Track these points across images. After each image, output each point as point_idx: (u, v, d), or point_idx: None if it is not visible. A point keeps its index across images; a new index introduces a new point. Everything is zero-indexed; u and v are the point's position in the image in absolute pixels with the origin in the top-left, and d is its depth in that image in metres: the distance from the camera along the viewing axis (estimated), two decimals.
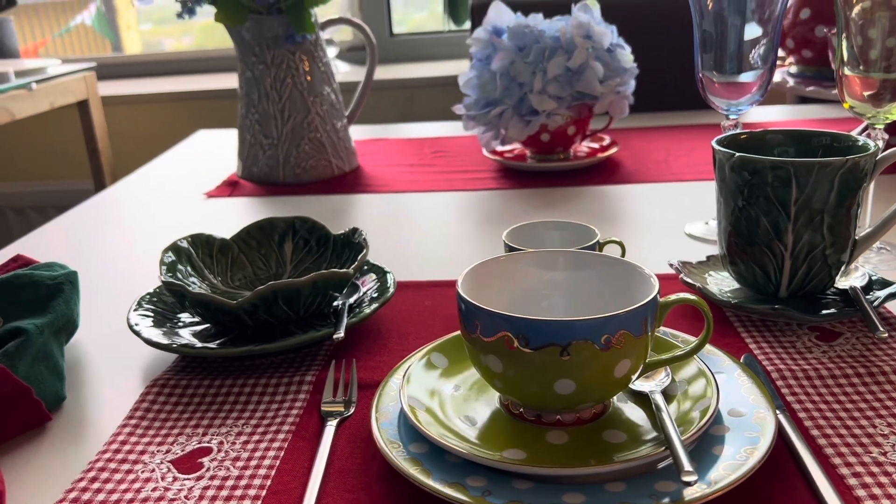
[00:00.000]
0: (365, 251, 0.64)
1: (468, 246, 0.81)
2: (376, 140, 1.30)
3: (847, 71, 0.69)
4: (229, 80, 2.01)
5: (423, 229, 0.87)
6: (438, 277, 0.73)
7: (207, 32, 2.45)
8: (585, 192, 0.97)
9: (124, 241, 0.90)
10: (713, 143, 0.62)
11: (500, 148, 1.12)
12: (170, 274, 0.62)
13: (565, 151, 1.07)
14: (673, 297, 0.45)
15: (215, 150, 1.30)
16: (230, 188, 1.07)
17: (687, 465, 0.37)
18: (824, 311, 0.58)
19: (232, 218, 0.96)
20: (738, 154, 0.58)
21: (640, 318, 0.42)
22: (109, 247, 0.88)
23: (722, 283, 0.65)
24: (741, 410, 0.45)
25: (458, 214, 0.92)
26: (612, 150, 1.07)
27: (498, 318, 0.42)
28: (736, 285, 0.64)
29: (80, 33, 2.56)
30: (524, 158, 1.09)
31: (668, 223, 0.84)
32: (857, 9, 0.68)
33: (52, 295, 0.56)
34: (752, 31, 0.73)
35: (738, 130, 0.68)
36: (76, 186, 1.92)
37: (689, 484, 0.37)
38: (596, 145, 1.12)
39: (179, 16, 1.01)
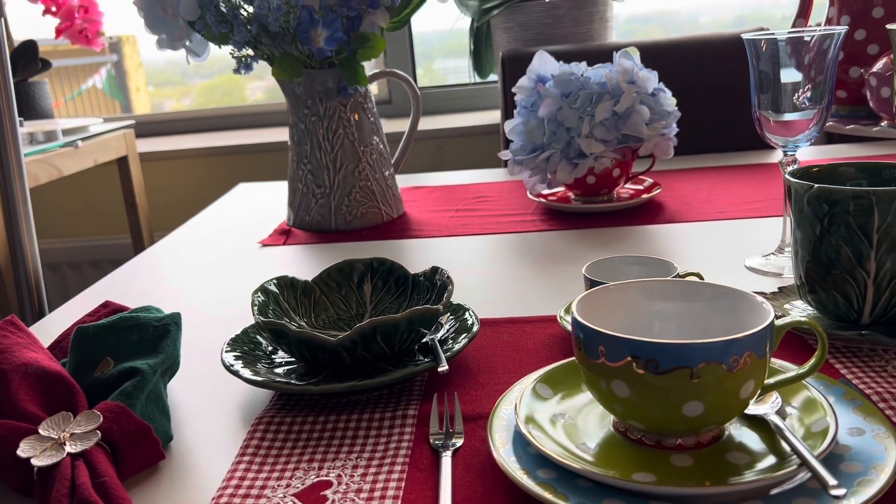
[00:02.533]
0: (451, 288, 0.65)
1: (528, 284, 0.83)
2: (415, 188, 1.33)
3: None
4: (260, 136, 2.06)
5: (477, 270, 0.89)
6: (506, 314, 0.74)
7: (206, 94, 2.51)
8: (634, 232, 0.98)
9: (187, 290, 0.91)
10: (787, 175, 0.64)
11: (545, 191, 1.15)
12: (261, 315, 0.64)
13: (609, 193, 1.09)
14: (787, 319, 0.46)
15: (259, 202, 1.33)
16: (283, 236, 1.09)
17: (832, 480, 0.38)
18: None
19: (290, 264, 0.97)
20: (817, 185, 0.60)
21: (763, 340, 0.43)
22: (173, 296, 0.90)
23: (800, 312, 0.66)
24: (859, 429, 0.46)
25: (510, 255, 0.94)
26: (657, 191, 1.10)
27: (626, 343, 0.43)
28: (814, 313, 0.65)
29: (91, 95, 2.62)
30: (568, 201, 1.11)
31: (725, 258, 0.86)
32: None
33: (160, 336, 0.57)
34: (806, 71, 0.75)
35: (799, 166, 0.71)
36: (112, 242, 1.95)
37: (837, 498, 0.38)
38: (639, 187, 1.14)
39: (236, 71, 1.04)
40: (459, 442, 0.52)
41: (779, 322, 0.46)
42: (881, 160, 0.65)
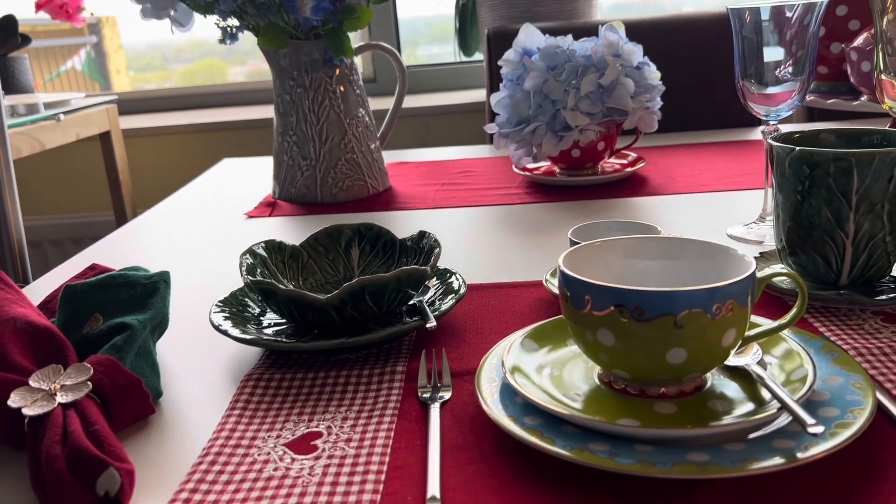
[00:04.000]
0: (438, 250, 0.66)
1: (514, 253, 0.84)
2: (401, 163, 1.33)
3: (884, 77, 0.73)
4: (243, 113, 2.04)
5: (463, 241, 0.90)
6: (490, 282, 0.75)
7: (187, 79, 2.49)
8: (618, 204, 1.00)
9: (172, 261, 0.91)
10: (769, 140, 0.65)
11: (530, 165, 1.16)
12: (249, 276, 0.64)
13: (594, 167, 1.10)
14: (768, 270, 0.47)
15: (243, 176, 1.33)
16: (269, 208, 1.09)
17: (810, 419, 0.39)
18: (887, 296, 0.61)
19: (276, 235, 0.97)
20: (798, 148, 0.61)
21: (745, 289, 0.44)
22: (158, 266, 0.90)
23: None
24: (836, 379, 0.47)
25: (496, 226, 0.94)
26: (640, 165, 1.11)
27: (611, 292, 0.44)
28: None
29: (70, 77, 2.59)
30: (553, 175, 1.12)
31: (708, 228, 0.87)
32: (884, 21, 0.73)
33: (150, 293, 0.57)
34: (788, 44, 0.77)
35: (782, 132, 0.72)
36: (95, 219, 1.93)
37: (815, 436, 0.39)
38: (623, 161, 1.16)
39: (221, 41, 1.04)
40: (447, 395, 0.53)
41: (760, 273, 0.47)
42: (861, 127, 0.66)
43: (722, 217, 0.91)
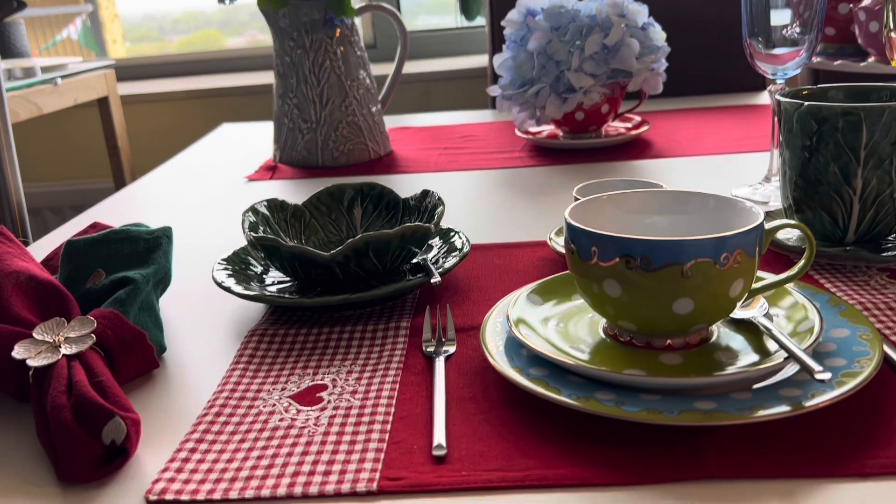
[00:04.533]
0: (442, 208, 0.66)
1: (518, 214, 0.83)
2: (403, 128, 1.32)
3: (893, 34, 0.72)
4: (242, 79, 2.03)
5: (467, 203, 0.89)
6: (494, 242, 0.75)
7: (183, 50, 2.47)
8: (623, 166, 0.99)
9: (173, 223, 0.91)
10: (778, 96, 0.64)
11: (533, 129, 1.15)
12: (252, 233, 0.64)
13: (598, 130, 1.09)
14: (778, 221, 0.47)
15: (243, 141, 1.32)
16: (270, 172, 1.08)
17: (817, 367, 0.39)
18: (893, 253, 0.60)
19: (277, 198, 0.97)
20: (807, 103, 0.60)
21: (753, 239, 0.44)
22: (160, 224, 0.89)
23: (786, 234, 0.67)
24: (843, 331, 0.47)
25: (499, 188, 0.94)
26: (644, 128, 1.10)
27: (617, 242, 0.44)
28: (801, 234, 0.66)
29: (66, 46, 2.57)
30: (556, 138, 1.11)
31: (712, 190, 0.86)
32: None
33: (152, 248, 0.57)
34: (797, 2, 0.75)
35: (790, 89, 0.71)
36: (94, 186, 1.92)
37: (822, 381, 0.39)
38: (626, 125, 1.15)
39: (220, 1, 1.02)
40: (452, 349, 0.53)
41: (768, 224, 0.47)
42: (870, 84, 0.66)
43: (727, 179, 0.90)
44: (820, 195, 0.62)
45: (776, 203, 0.79)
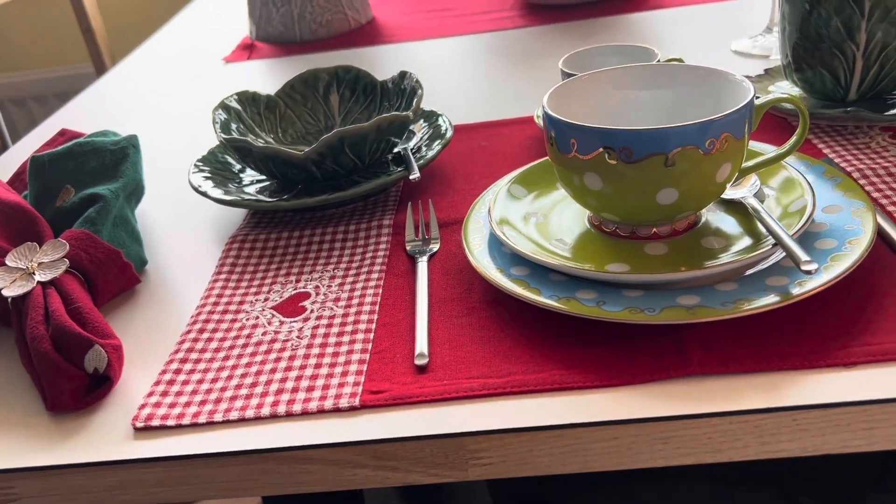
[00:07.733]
0: (420, 92, 0.62)
1: (506, 85, 0.79)
2: None
3: None
4: None
5: (452, 74, 0.85)
6: (482, 119, 0.71)
7: None
8: (617, 21, 0.93)
9: (151, 113, 0.87)
10: None
11: None
12: (224, 133, 0.61)
13: None
14: (768, 97, 0.44)
15: (220, 15, 1.25)
16: (247, 51, 1.03)
17: (804, 256, 0.38)
18: None
19: (256, 80, 0.93)
20: None
21: (741, 120, 0.41)
22: (138, 119, 0.86)
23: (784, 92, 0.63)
24: (837, 206, 0.45)
25: (487, 55, 0.89)
26: None
27: (597, 133, 0.41)
28: (800, 93, 0.63)
29: None
30: None
31: (711, 42, 0.82)
32: None
33: (119, 160, 0.55)
34: None
35: None
36: (75, 72, 1.85)
37: (808, 273, 0.37)
38: None
39: None
40: (436, 247, 0.52)
41: (758, 101, 0.44)
42: None
43: (726, 29, 0.84)
44: (821, 52, 0.58)
45: (777, 56, 0.74)
